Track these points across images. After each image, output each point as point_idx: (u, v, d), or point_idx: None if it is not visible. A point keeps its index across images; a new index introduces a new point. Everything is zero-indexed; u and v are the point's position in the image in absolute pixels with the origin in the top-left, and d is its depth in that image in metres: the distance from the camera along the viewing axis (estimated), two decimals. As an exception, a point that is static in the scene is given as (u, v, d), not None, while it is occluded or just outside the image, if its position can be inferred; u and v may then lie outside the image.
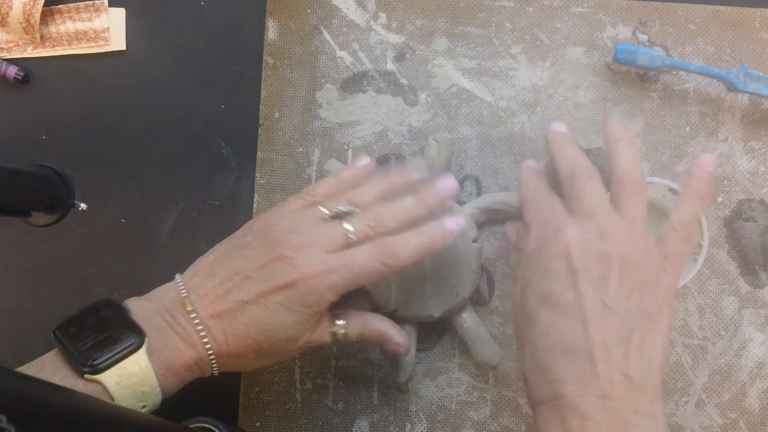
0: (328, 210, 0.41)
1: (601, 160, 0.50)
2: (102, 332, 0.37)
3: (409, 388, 0.49)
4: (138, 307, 0.40)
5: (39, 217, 0.44)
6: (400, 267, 0.40)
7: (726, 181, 0.50)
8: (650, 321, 0.37)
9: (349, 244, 0.40)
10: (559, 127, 0.44)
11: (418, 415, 0.49)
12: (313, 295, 0.39)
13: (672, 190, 0.46)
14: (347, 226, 0.40)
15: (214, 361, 0.40)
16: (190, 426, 0.42)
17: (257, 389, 0.50)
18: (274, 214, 0.42)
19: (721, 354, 0.49)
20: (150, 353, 0.38)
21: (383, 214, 0.41)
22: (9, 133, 0.52)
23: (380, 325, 0.44)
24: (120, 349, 0.37)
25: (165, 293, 0.41)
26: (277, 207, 0.43)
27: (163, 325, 0.39)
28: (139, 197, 0.51)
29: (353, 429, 0.49)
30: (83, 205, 0.45)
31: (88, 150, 0.52)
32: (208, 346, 0.39)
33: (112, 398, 0.36)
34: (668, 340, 0.38)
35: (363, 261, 0.39)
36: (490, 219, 0.49)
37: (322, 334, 0.41)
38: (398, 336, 0.44)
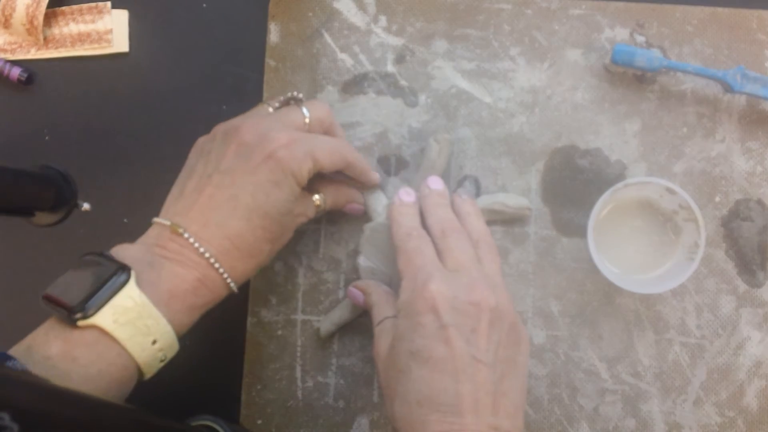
0: (272, 105, 0.45)
1: (599, 161, 0.50)
2: (88, 280, 0.36)
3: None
4: (123, 251, 0.39)
5: (42, 217, 0.44)
6: (352, 164, 0.45)
7: (723, 181, 0.50)
8: (514, 365, 0.39)
9: (308, 130, 0.43)
10: (435, 183, 0.46)
11: (418, 413, 0.50)
12: (294, 161, 0.40)
13: (669, 190, 0.46)
14: (304, 109, 0.44)
15: (225, 275, 0.39)
16: (193, 424, 0.43)
17: (259, 387, 0.50)
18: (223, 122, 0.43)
19: (719, 353, 0.49)
20: (146, 286, 0.37)
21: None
22: (13, 134, 0.52)
23: (347, 191, 0.47)
24: (107, 287, 0.35)
25: (149, 234, 0.40)
26: None
27: (156, 259, 0.38)
28: (141, 198, 0.51)
29: (354, 426, 0.49)
30: (86, 205, 0.45)
31: (91, 151, 0.52)
32: (212, 260, 0.38)
33: (115, 340, 0.35)
34: (527, 376, 0.40)
35: (329, 140, 0.44)
36: (490, 219, 0.49)
37: (307, 208, 0.44)
38: (359, 196, 0.48)
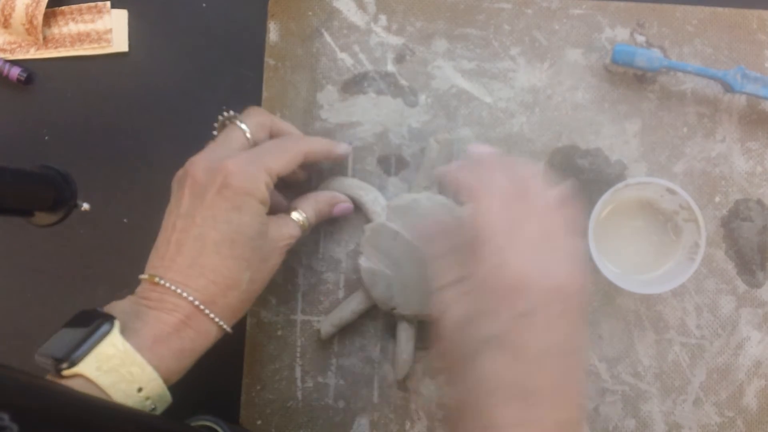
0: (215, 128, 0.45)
1: (599, 161, 0.50)
2: (76, 333, 0.37)
3: (410, 386, 0.50)
4: (113, 307, 0.40)
5: (42, 217, 0.44)
6: (310, 152, 0.44)
7: (723, 181, 0.50)
8: (580, 355, 0.37)
9: (253, 142, 0.44)
10: (483, 148, 0.43)
11: (418, 413, 0.49)
12: (247, 181, 0.40)
13: (669, 191, 0.46)
14: (241, 125, 0.44)
15: (207, 311, 0.39)
16: (193, 424, 0.42)
17: (258, 387, 0.50)
18: None
19: (718, 353, 0.49)
20: (130, 334, 0.37)
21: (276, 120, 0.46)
22: (12, 134, 0.52)
23: (326, 197, 0.47)
24: (92, 338, 0.36)
25: (136, 290, 0.41)
26: None
27: (140, 309, 0.39)
28: (141, 197, 0.51)
29: (353, 427, 0.49)
30: (86, 205, 0.45)
31: (91, 150, 0.52)
32: (191, 298, 0.39)
33: (99, 387, 0.36)
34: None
35: (276, 144, 0.44)
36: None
37: (288, 228, 0.44)
38: (340, 195, 0.48)
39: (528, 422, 0.34)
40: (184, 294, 0.39)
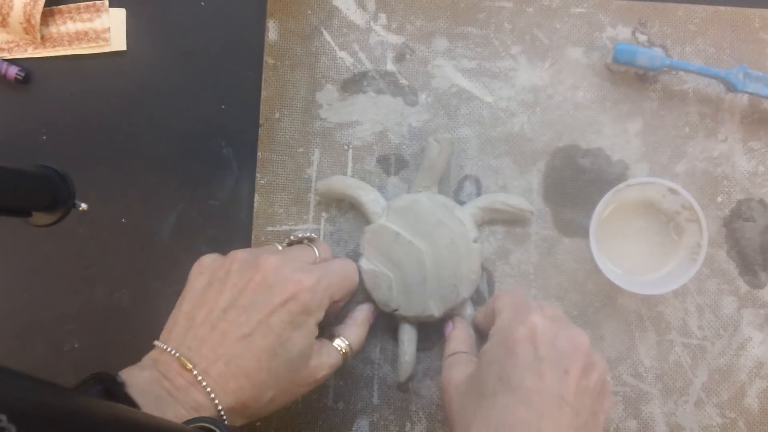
0: (281, 244, 0.45)
1: (601, 161, 0.50)
2: None
3: (410, 387, 0.49)
4: (133, 379, 0.37)
5: (40, 217, 0.43)
6: (357, 283, 0.46)
7: (725, 181, 0.50)
8: (595, 418, 0.38)
9: (317, 263, 0.44)
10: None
11: (418, 414, 0.49)
12: (314, 300, 0.39)
13: (671, 191, 0.46)
14: (314, 247, 0.45)
15: (225, 418, 0.37)
16: (191, 426, 0.42)
17: (258, 389, 0.50)
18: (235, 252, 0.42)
19: (720, 354, 0.49)
20: None
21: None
22: (10, 134, 0.52)
23: (364, 316, 0.47)
24: None
25: (157, 359, 0.38)
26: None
27: (162, 394, 0.36)
28: (139, 197, 0.51)
29: (353, 428, 0.49)
30: (84, 205, 0.45)
31: (89, 150, 0.51)
32: (220, 406, 0.37)
33: None
34: None
35: (339, 270, 0.44)
36: (491, 219, 0.49)
37: (332, 357, 0.43)
38: (369, 306, 0.48)
39: None
40: (216, 401, 0.37)
